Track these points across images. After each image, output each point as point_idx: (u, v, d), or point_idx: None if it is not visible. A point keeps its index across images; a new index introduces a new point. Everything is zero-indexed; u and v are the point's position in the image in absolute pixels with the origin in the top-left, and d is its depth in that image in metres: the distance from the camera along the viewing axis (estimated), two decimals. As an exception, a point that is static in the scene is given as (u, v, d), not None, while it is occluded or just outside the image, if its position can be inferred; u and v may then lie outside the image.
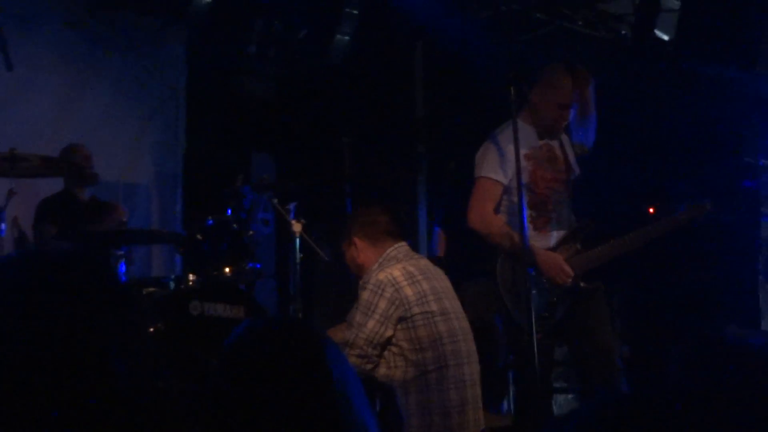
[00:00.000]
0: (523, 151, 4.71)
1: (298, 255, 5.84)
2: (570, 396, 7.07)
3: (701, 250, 6.70)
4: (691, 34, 6.72)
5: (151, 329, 4.83)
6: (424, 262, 4.52)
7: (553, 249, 4.85)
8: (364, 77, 7.87)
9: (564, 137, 5.02)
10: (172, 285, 5.40)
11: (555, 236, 4.88)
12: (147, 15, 7.51)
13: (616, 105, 6.00)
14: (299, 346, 1.88)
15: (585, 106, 4.91)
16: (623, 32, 7.52)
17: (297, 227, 5.80)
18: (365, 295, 4.28)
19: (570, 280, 4.74)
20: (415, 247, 7.76)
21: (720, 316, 6.84)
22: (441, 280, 4.46)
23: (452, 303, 4.42)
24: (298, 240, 5.83)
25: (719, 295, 6.97)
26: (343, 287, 5.82)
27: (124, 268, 5.65)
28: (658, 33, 7.27)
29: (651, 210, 7.28)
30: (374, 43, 7.57)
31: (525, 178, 4.78)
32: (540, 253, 4.75)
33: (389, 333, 4.24)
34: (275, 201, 5.95)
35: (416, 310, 4.25)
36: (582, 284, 4.79)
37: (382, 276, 4.29)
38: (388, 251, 4.45)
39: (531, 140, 4.85)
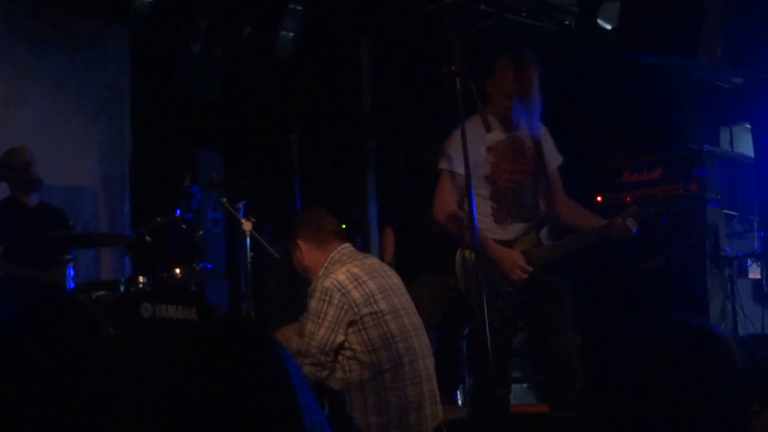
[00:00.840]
0: (486, 144, 4.76)
1: (249, 254, 5.81)
2: (525, 385, 7.11)
3: (650, 236, 6.76)
4: (633, 22, 6.77)
5: (103, 333, 4.76)
6: (370, 261, 4.51)
7: (513, 241, 4.85)
8: (310, 73, 7.84)
9: (543, 128, 5.01)
10: (122, 288, 5.34)
11: (516, 229, 4.88)
12: (88, 15, 7.40)
13: (561, 94, 6.03)
14: (254, 346, 1.87)
15: (524, 87, 4.85)
16: (567, 22, 7.56)
17: (247, 226, 5.77)
18: (313, 304, 4.27)
19: (525, 275, 4.76)
20: (366, 244, 7.78)
21: (669, 301, 6.90)
22: (388, 277, 4.46)
23: (401, 299, 4.42)
24: (248, 239, 5.81)
25: (668, 281, 7.03)
26: (295, 285, 5.80)
27: (72, 273, 5.58)
28: (601, 22, 7.33)
29: (598, 198, 7.33)
30: (320, 39, 7.54)
31: (487, 171, 4.82)
32: (496, 249, 4.75)
33: (341, 338, 4.23)
34: (224, 200, 5.93)
35: (365, 311, 4.25)
36: (542, 276, 4.81)
37: (328, 282, 4.29)
38: (332, 254, 4.45)
39: (496, 132, 4.85)
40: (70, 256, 5.53)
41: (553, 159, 5.03)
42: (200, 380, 1.81)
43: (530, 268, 4.76)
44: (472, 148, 4.39)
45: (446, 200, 4.81)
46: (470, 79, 4.38)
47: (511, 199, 4.87)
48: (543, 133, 5.00)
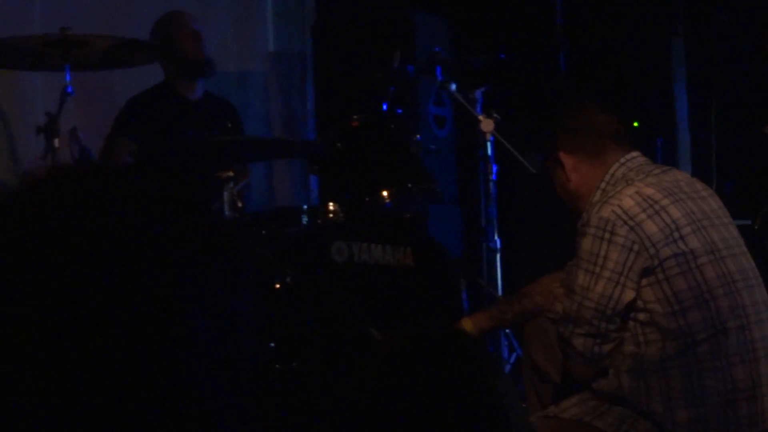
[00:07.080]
0: None
1: (491, 168, 5.81)
2: None
3: None
4: None
5: (277, 285, 4.88)
6: (672, 177, 4.43)
7: None
8: None
9: None
10: (304, 219, 5.45)
11: None
12: None
13: None
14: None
15: None
16: None
17: (488, 125, 5.79)
18: (586, 244, 4.23)
19: None
20: (671, 151, 7.63)
21: None
22: (702, 200, 4.37)
23: (723, 232, 4.33)
24: (489, 145, 5.80)
25: None
26: (559, 215, 5.77)
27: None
28: None
29: None
30: None
31: None
32: None
33: (630, 295, 4.19)
34: (453, 87, 5.93)
35: (666, 252, 4.18)
36: None
37: (607, 212, 4.23)
38: (612, 169, 4.40)
39: None
40: (247, 179, 5.59)
41: None
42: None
43: None
44: None
45: None
46: None
47: None
48: None
